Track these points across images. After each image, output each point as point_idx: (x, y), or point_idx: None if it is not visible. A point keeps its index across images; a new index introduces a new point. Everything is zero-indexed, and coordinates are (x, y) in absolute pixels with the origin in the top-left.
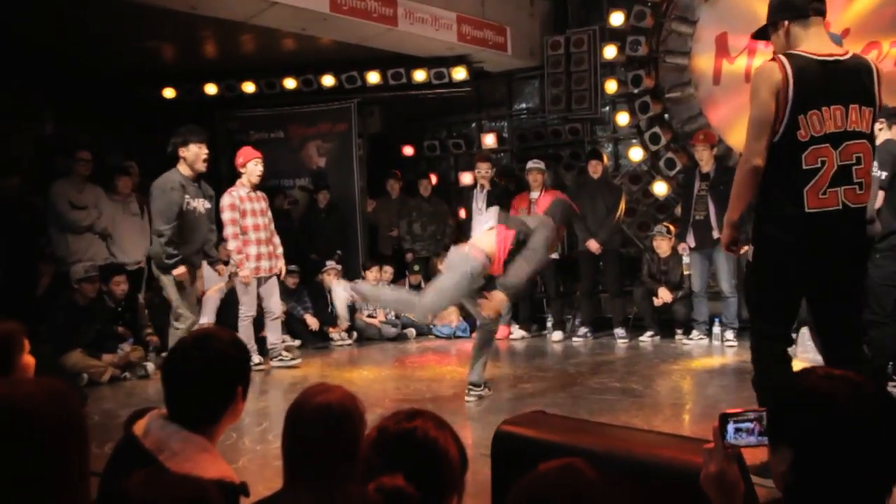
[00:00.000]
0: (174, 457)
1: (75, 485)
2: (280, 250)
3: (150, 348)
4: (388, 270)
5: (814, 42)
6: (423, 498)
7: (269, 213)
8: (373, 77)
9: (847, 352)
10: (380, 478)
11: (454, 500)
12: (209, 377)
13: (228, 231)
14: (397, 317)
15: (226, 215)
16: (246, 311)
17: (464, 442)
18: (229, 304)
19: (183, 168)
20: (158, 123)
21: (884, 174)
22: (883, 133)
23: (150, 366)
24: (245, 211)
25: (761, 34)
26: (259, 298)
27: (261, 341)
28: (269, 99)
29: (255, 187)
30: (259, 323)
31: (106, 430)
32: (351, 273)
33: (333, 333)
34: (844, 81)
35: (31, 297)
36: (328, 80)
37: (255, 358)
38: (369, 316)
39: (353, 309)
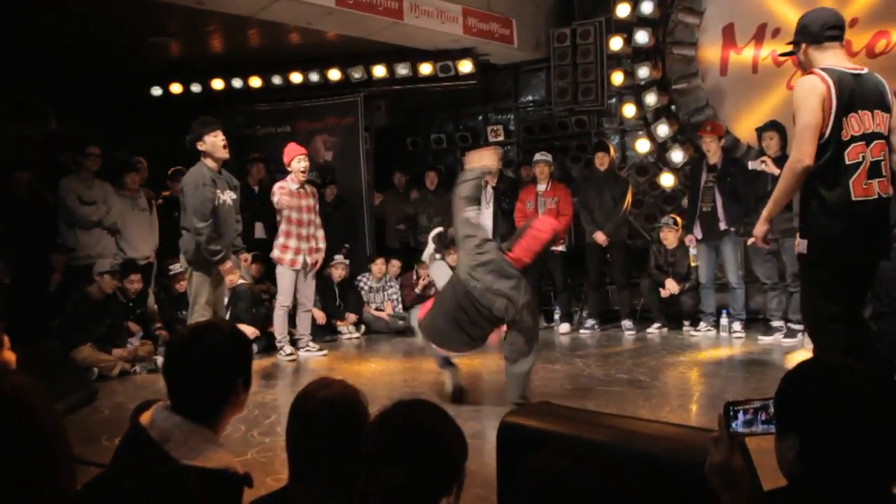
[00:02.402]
0: (179, 447)
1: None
2: (322, 244)
3: (159, 342)
4: (396, 264)
5: (833, 60)
6: (423, 488)
7: (317, 208)
8: (379, 71)
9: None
10: (380, 469)
11: (454, 490)
12: (206, 370)
13: (276, 203)
14: (405, 308)
15: (277, 198)
16: (281, 301)
17: (468, 431)
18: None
19: (207, 161)
20: (165, 119)
21: None
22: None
23: (160, 360)
24: (292, 206)
25: (791, 53)
26: (294, 289)
27: (268, 336)
28: (275, 93)
29: (304, 183)
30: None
31: (117, 424)
32: (358, 266)
33: (341, 327)
34: (869, 91)
35: (44, 291)
36: (334, 74)
37: (287, 349)
38: (377, 309)
39: (360, 302)
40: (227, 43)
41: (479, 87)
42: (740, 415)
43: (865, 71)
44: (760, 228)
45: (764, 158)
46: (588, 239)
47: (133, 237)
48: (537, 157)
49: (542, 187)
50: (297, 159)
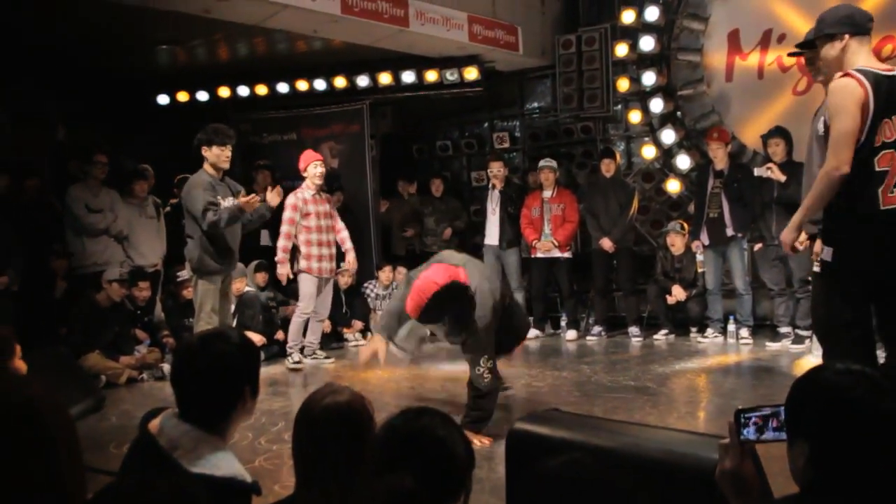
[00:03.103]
0: (188, 455)
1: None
2: (349, 245)
3: (167, 350)
4: (402, 271)
5: (866, 57)
6: (430, 496)
7: (336, 215)
8: (384, 78)
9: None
10: (387, 477)
11: (462, 498)
12: (214, 378)
13: (283, 229)
14: None
15: (286, 214)
16: (303, 308)
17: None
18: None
19: (208, 167)
20: (172, 126)
21: None
22: None
23: (167, 367)
24: (308, 213)
25: (808, 44)
26: None
27: (276, 343)
28: (281, 101)
29: (320, 189)
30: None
31: (124, 432)
32: (365, 274)
33: (348, 334)
34: None
35: (50, 298)
36: (340, 82)
37: (296, 356)
38: None
39: (366, 309)
40: (234, 51)
41: (485, 94)
42: (751, 422)
43: (894, 72)
44: (790, 235)
45: (770, 165)
46: (594, 245)
47: (140, 245)
48: (542, 163)
49: (547, 193)
50: (313, 165)
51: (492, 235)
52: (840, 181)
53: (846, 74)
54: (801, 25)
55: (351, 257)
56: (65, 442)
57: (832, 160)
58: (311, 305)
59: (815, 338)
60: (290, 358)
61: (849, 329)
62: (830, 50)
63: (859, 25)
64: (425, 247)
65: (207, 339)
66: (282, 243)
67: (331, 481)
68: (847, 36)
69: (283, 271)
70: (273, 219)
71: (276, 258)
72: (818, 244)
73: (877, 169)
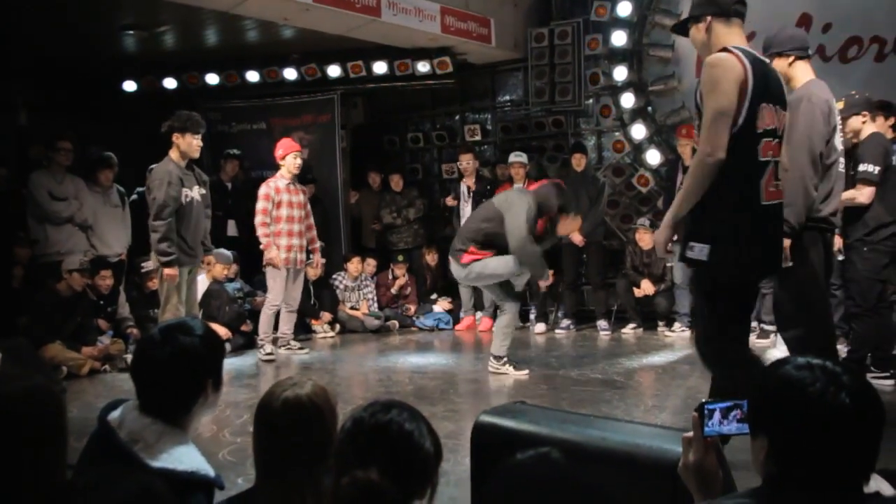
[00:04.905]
0: (148, 448)
1: (50, 478)
2: (317, 245)
3: (130, 341)
4: (372, 263)
5: (735, 41)
6: (396, 491)
7: (308, 207)
8: (356, 68)
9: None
10: (353, 470)
11: (428, 492)
12: (175, 371)
13: (257, 220)
14: (380, 308)
15: (259, 204)
16: (272, 301)
17: (443, 432)
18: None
19: (175, 155)
20: (138, 114)
21: (876, 169)
22: (867, 126)
23: (130, 358)
24: (280, 202)
25: (681, 28)
26: None
27: (243, 335)
28: (251, 90)
29: (296, 179)
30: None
31: (85, 424)
32: (333, 265)
33: (316, 326)
34: (774, 83)
35: (8, 287)
36: (311, 72)
37: (268, 347)
38: (352, 308)
39: (335, 300)
40: (203, 38)
41: (457, 87)
42: (715, 415)
43: (768, 61)
44: (663, 234)
45: None
46: (564, 239)
47: (105, 234)
48: (512, 157)
49: (518, 187)
50: (293, 154)
51: None
52: (715, 168)
53: (724, 49)
54: (770, 22)
55: (317, 258)
56: (58, 436)
57: (705, 145)
58: (279, 297)
59: (778, 340)
60: (261, 350)
61: (733, 325)
62: (697, 33)
63: (722, 6)
64: (392, 245)
65: (169, 331)
66: (261, 231)
67: (291, 473)
68: (709, 17)
69: (272, 254)
70: (239, 209)
71: (262, 245)
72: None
73: (760, 158)
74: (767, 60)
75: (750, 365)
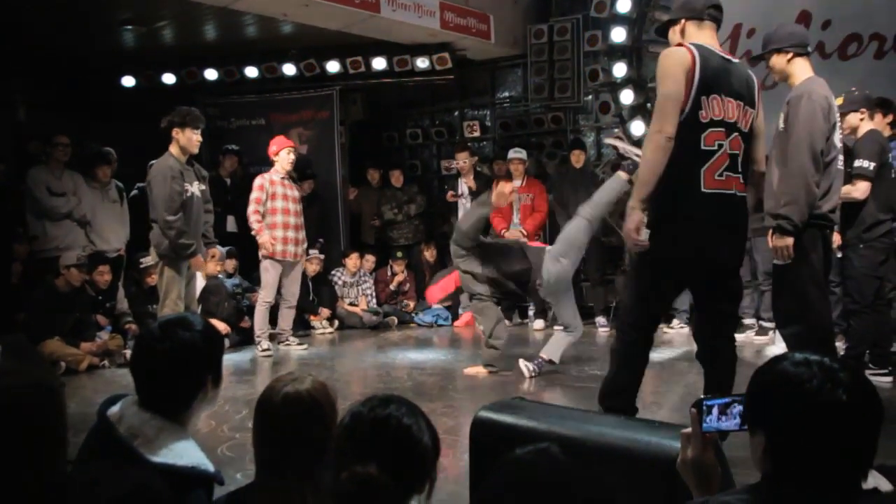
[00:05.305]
0: (148, 443)
1: (50, 473)
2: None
3: (129, 336)
4: (371, 259)
5: (703, 41)
6: (395, 485)
7: (301, 205)
8: (355, 64)
9: (723, 331)
10: (352, 465)
11: (426, 487)
12: (174, 367)
13: (250, 208)
14: (379, 304)
15: (253, 194)
16: (264, 297)
17: (442, 427)
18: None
19: (175, 150)
20: (137, 110)
21: (871, 164)
22: (865, 123)
23: (129, 354)
24: (275, 194)
25: (662, 31)
26: (279, 283)
27: (241, 331)
28: (250, 85)
29: (290, 175)
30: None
31: (83, 419)
32: (333, 261)
33: (315, 321)
34: (737, 80)
35: (7, 283)
36: (310, 67)
37: (265, 343)
38: (351, 304)
39: (333, 296)
40: (202, 33)
41: (456, 83)
42: (713, 411)
43: (737, 61)
44: (635, 217)
45: None
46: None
47: (103, 229)
48: (511, 154)
49: (517, 183)
50: (286, 150)
51: None
52: (667, 144)
53: (679, 45)
54: (770, 18)
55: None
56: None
57: (654, 124)
58: (272, 293)
59: (777, 337)
60: (259, 346)
61: (645, 305)
62: (673, 35)
63: (696, 10)
64: (392, 241)
65: (169, 325)
66: (253, 218)
67: (291, 469)
68: (684, 20)
69: (265, 238)
70: (238, 204)
71: (254, 232)
72: (779, 239)
73: (702, 147)
74: (736, 61)
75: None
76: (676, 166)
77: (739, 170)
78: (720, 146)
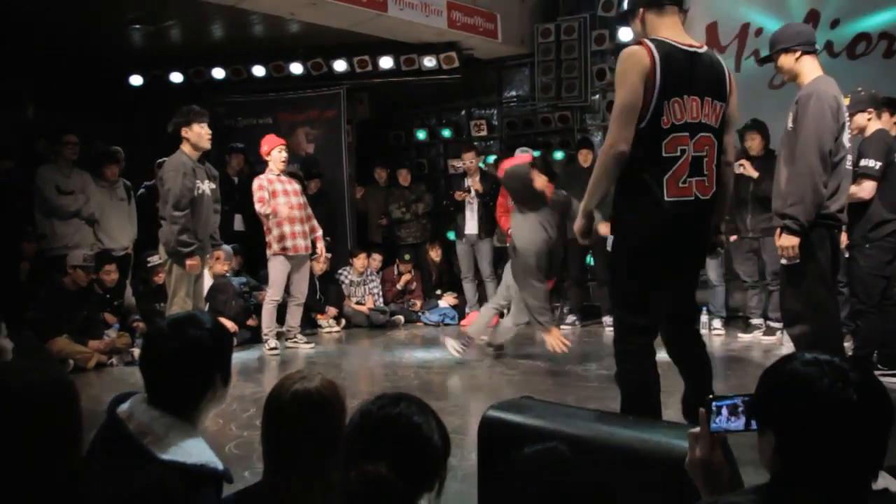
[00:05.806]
0: (158, 441)
1: (66, 469)
2: (319, 233)
3: (137, 334)
4: (377, 258)
5: (669, 31)
6: (405, 484)
7: (304, 198)
8: (362, 63)
9: (689, 340)
10: (361, 464)
11: (436, 486)
12: (183, 365)
13: (257, 205)
14: (386, 303)
15: (255, 195)
16: (272, 295)
17: (449, 426)
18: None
19: (187, 149)
20: (144, 108)
21: (878, 164)
22: (873, 123)
23: (137, 352)
24: (276, 191)
25: (623, 20)
26: (288, 281)
27: (248, 329)
28: (257, 84)
29: (283, 173)
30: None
31: (92, 417)
32: (339, 260)
33: (322, 320)
34: (703, 74)
35: (16, 281)
36: (317, 66)
37: (272, 342)
38: (358, 303)
39: (340, 295)
40: (209, 32)
41: (463, 82)
42: (722, 411)
43: (704, 50)
44: (578, 223)
45: (742, 162)
46: (570, 235)
47: (111, 228)
48: (518, 153)
49: None
50: (277, 149)
51: (470, 226)
52: (619, 159)
53: (639, 42)
54: (778, 18)
55: (321, 246)
56: (61, 427)
57: (608, 137)
58: (280, 291)
59: (785, 337)
60: (266, 344)
61: (640, 294)
62: (634, 26)
63: None
64: (400, 240)
65: (178, 323)
66: (259, 205)
67: (300, 468)
68: (642, 10)
69: (266, 209)
70: (244, 202)
71: (258, 209)
72: (785, 238)
73: (663, 154)
74: (702, 50)
75: (647, 359)
76: (637, 175)
77: (704, 171)
78: (683, 152)
